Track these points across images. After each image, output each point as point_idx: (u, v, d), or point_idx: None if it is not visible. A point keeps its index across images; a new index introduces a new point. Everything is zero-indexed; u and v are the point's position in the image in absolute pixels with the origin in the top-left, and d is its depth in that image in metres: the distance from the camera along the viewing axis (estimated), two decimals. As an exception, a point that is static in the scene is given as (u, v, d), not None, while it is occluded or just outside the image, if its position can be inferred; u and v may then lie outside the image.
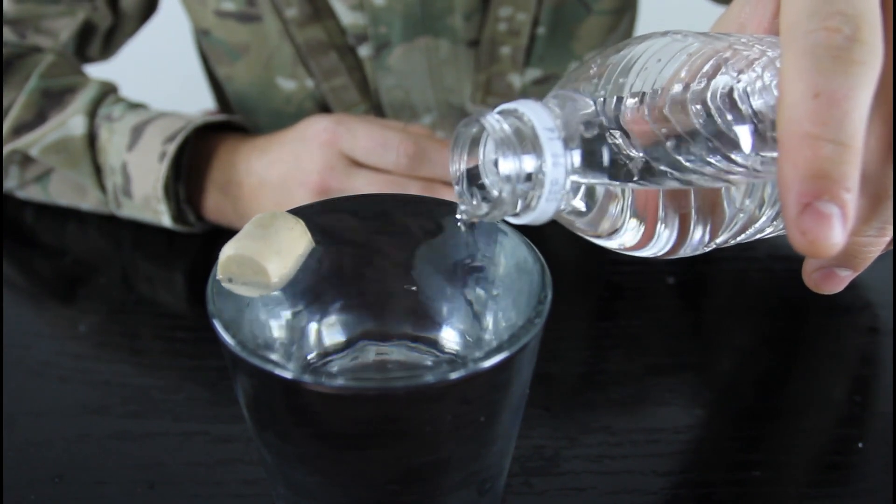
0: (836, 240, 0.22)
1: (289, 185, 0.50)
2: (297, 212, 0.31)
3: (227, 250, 0.28)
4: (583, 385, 0.44)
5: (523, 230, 0.31)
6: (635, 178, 0.25)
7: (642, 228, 0.27)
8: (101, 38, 0.65)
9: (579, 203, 0.27)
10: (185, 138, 0.52)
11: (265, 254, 0.29)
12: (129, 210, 0.55)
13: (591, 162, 0.26)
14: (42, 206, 0.59)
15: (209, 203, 0.54)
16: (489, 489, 0.30)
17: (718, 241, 0.28)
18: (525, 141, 0.25)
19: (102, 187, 0.55)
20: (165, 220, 0.54)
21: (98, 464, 0.38)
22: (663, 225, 0.27)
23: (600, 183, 0.26)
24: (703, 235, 0.27)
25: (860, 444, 0.40)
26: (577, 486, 0.37)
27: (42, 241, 0.58)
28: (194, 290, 0.52)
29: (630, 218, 0.27)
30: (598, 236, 0.29)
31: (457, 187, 0.29)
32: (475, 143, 0.28)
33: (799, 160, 0.22)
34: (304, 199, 0.49)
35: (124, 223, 0.57)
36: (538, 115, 0.25)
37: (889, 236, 0.26)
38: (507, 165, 0.26)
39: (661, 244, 0.28)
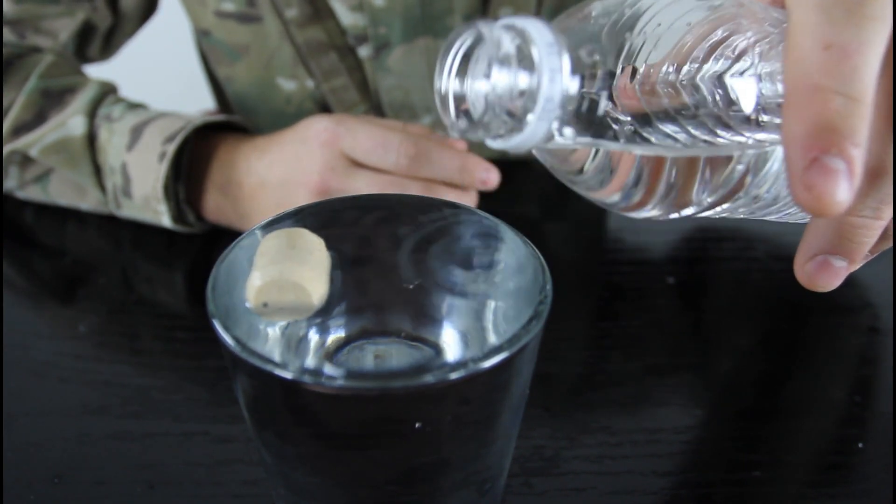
0: (842, 196, 0.21)
1: (289, 185, 0.50)
2: (298, 211, 0.31)
3: (270, 274, 0.28)
4: (583, 385, 0.44)
5: (523, 231, 0.31)
6: (630, 123, 0.24)
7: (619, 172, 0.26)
8: (100, 39, 0.65)
9: (569, 132, 0.26)
10: (184, 138, 0.52)
11: (305, 275, 0.28)
12: (129, 210, 0.55)
13: (587, 88, 0.24)
14: (42, 206, 0.59)
15: (209, 203, 0.54)
16: (489, 489, 0.30)
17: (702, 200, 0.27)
18: (523, 55, 0.24)
19: (102, 187, 0.55)
20: (165, 221, 0.54)
21: (98, 464, 0.38)
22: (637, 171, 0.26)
23: (596, 116, 0.25)
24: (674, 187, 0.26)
25: (860, 444, 0.40)
26: (577, 487, 0.37)
27: (42, 241, 0.58)
28: (194, 290, 0.52)
29: (614, 158, 0.26)
30: (580, 172, 0.27)
31: (439, 104, 0.26)
32: (465, 56, 0.26)
33: (807, 113, 0.21)
34: (305, 199, 0.49)
35: (124, 223, 0.57)
36: (539, 30, 0.24)
37: (884, 220, 0.25)
38: (501, 79, 0.24)
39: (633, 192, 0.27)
